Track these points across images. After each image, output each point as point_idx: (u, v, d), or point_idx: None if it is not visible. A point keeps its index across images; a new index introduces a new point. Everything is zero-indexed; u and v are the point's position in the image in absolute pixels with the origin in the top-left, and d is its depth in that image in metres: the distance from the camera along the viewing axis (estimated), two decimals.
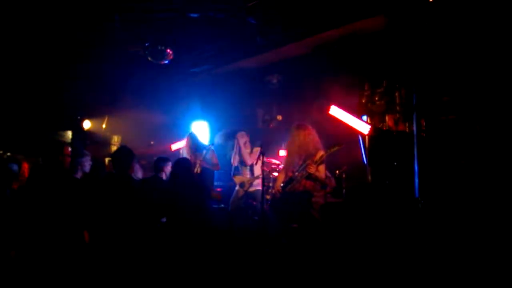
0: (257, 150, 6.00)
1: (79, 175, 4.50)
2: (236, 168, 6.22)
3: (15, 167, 4.23)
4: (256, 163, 5.97)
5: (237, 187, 6.09)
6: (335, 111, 5.30)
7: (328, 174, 5.36)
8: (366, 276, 3.89)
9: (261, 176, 5.24)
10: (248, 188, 5.97)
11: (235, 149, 6.16)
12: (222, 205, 6.38)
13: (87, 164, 4.52)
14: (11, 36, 6.36)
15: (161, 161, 5.54)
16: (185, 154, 6.27)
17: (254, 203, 6.03)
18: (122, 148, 4.52)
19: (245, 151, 6.03)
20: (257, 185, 5.97)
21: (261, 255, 4.63)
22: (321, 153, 4.59)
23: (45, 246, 3.70)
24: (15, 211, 3.93)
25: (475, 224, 4.02)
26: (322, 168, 4.66)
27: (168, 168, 5.50)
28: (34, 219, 3.83)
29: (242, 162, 6.10)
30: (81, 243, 3.84)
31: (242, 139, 6.12)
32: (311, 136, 4.75)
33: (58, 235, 3.73)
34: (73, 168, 4.31)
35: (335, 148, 4.59)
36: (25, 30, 6.25)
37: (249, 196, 5.99)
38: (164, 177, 5.48)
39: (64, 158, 4.17)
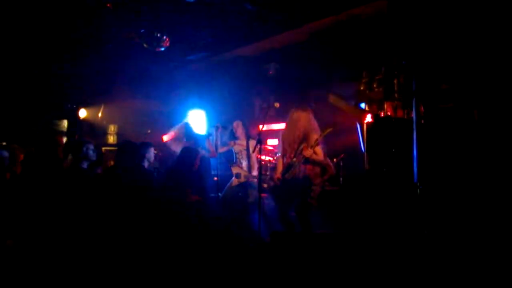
0: (253, 142, 5.94)
1: (85, 165, 4.26)
2: (234, 155, 6.13)
3: (5, 154, 4.17)
4: (253, 151, 5.91)
5: (233, 178, 6.04)
6: (334, 99, 5.25)
7: (329, 162, 5.30)
8: (364, 265, 3.86)
9: (257, 171, 5.14)
10: (244, 180, 5.91)
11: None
12: (219, 194, 6.33)
13: (91, 153, 4.34)
14: (6, 26, 6.28)
15: (143, 147, 4.94)
16: (174, 144, 6.10)
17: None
18: (126, 143, 4.28)
19: (255, 159, 5.84)
20: (253, 177, 5.92)
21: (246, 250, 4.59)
22: (315, 136, 4.53)
23: (41, 235, 3.68)
24: (10, 200, 3.90)
25: (473, 210, 4.00)
26: (319, 150, 4.59)
27: (151, 154, 5.06)
28: (29, 208, 3.80)
29: (241, 154, 6.03)
30: (76, 232, 3.81)
31: (238, 128, 6.06)
32: (309, 119, 4.69)
33: (53, 225, 3.70)
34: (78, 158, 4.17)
35: (328, 130, 4.53)
36: (20, 20, 6.16)
37: (245, 185, 5.94)
38: (146, 165, 5.02)
39: (57, 147, 4.13)
